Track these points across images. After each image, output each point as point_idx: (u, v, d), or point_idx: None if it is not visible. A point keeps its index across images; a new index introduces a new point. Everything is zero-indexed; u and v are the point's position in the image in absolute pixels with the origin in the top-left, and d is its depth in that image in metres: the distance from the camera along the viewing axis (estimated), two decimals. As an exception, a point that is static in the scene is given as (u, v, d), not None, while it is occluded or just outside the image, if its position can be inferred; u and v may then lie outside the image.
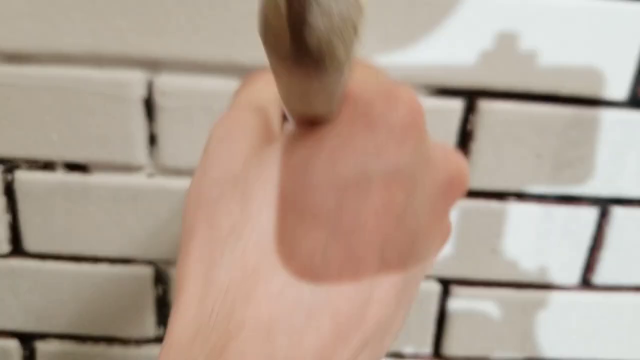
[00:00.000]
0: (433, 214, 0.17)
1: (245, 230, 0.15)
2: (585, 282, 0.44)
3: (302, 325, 0.15)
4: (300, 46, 0.12)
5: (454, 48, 0.36)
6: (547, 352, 0.46)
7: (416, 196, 0.16)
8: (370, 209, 0.15)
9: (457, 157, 0.19)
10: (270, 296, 0.15)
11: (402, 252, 0.16)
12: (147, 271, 0.42)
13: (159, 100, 0.37)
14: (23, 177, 0.39)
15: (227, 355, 0.14)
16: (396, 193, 0.16)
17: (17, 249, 0.41)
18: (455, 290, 0.43)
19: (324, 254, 0.15)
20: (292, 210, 0.15)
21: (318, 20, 0.12)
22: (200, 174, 0.17)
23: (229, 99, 0.37)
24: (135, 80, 0.36)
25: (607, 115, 0.38)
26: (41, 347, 0.44)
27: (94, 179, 0.39)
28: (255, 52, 0.35)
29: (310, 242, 0.15)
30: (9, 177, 0.39)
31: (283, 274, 0.15)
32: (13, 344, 0.44)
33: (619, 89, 0.38)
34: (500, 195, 0.40)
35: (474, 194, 0.40)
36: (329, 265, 0.15)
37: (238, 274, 0.15)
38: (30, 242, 0.41)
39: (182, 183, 0.39)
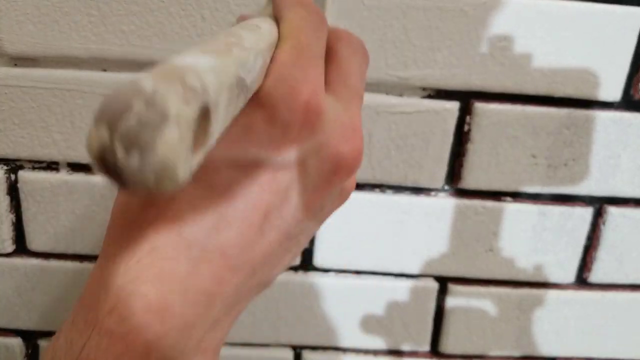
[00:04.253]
0: (319, 192, 0.20)
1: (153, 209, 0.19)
2: (581, 281, 0.44)
3: (198, 261, 0.18)
4: (125, 189, 0.13)
5: (450, 50, 0.37)
6: (543, 349, 0.46)
7: (301, 179, 0.20)
8: (257, 184, 0.19)
9: (354, 141, 0.21)
10: (167, 250, 0.18)
11: (284, 217, 0.20)
12: (149, 270, 0.42)
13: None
14: (27, 177, 0.39)
15: (121, 290, 0.17)
16: (281, 177, 0.19)
17: (21, 248, 0.42)
18: (453, 288, 0.44)
19: (215, 212, 0.18)
20: (194, 182, 0.18)
21: (135, 184, 0.13)
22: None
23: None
24: (137, 82, 0.37)
25: (601, 116, 0.39)
26: (44, 345, 0.45)
27: (97, 179, 0.39)
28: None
29: (204, 204, 0.18)
30: (13, 177, 0.39)
31: (180, 226, 0.18)
32: (16, 342, 0.45)
33: (613, 90, 0.38)
34: (496, 195, 0.41)
35: (470, 193, 0.41)
36: (221, 220, 0.18)
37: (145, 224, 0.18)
38: (33, 241, 0.41)
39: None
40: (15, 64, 0.37)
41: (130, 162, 0.12)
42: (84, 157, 0.39)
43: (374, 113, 0.38)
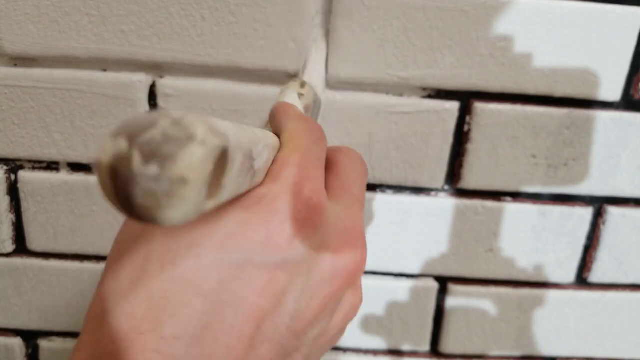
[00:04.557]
0: (318, 299, 0.19)
1: (138, 288, 0.17)
2: (581, 281, 0.44)
3: None
4: (133, 217, 0.13)
5: (450, 50, 0.37)
6: (543, 349, 0.46)
7: (299, 282, 0.18)
8: (250, 289, 0.17)
9: (356, 246, 0.20)
10: (149, 351, 0.16)
11: (279, 328, 0.18)
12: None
13: (162, 102, 0.37)
14: (27, 177, 0.39)
15: None
16: (279, 278, 0.18)
17: (21, 248, 0.42)
18: (453, 288, 0.44)
19: (200, 321, 0.17)
20: (178, 280, 0.17)
21: (142, 200, 0.12)
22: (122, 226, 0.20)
23: (229, 101, 0.38)
24: (138, 83, 0.37)
25: (601, 116, 0.39)
26: (44, 345, 0.45)
27: (97, 179, 0.39)
28: (257, 55, 0.36)
29: (190, 309, 0.17)
30: (13, 177, 0.40)
31: (161, 334, 0.16)
32: (16, 342, 0.45)
33: (613, 90, 0.38)
34: (496, 195, 0.41)
35: (470, 193, 0.41)
36: (205, 330, 0.17)
37: (125, 326, 0.17)
38: (34, 241, 0.41)
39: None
40: (15, 64, 0.37)
41: (147, 171, 0.12)
42: (84, 157, 0.39)
43: (374, 113, 0.38)
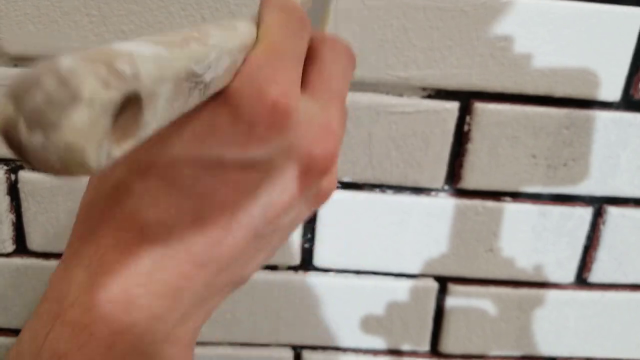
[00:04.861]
0: (290, 192, 0.20)
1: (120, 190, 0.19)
2: (581, 281, 0.44)
3: (162, 256, 0.18)
4: (31, 168, 0.13)
5: (450, 50, 0.37)
6: (543, 349, 0.46)
7: (271, 179, 0.19)
8: (223, 184, 0.19)
9: (327, 140, 0.21)
10: (128, 251, 0.18)
11: (253, 216, 0.19)
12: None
13: (161, 101, 0.37)
14: (27, 177, 0.39)
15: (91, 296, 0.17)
16: (249, 176, 0.19)
17: (21, 248, 0.42)
18: (453, 288, 0.44)
19: (179, 209, 0.18)
20: (155, 176, 0.18)
21: (39, 165, 0.12)
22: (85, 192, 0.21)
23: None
24: (138, 82, 0.37)
25: (601, 116, 0.39)
26: (44, 345, 0.45)
27: (97, 179, 0.39)
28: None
29: (167, 198, 0.18)
30: (13, 177, 0.39)
31: (138, 235, 0.18)
32: (17, 342, 0.45)
33: (613, 90, 0.38)
34: (496, 195, 0.41)
35: (470, 193, 0.41)
36: (182, 219, 0.18)
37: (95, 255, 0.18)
38: (33, 241, 0.41)
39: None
40: (15, 64, 0.37)
41: (33, 140, 0.12)
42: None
43: (374, 113, 0.38)
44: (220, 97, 0.18)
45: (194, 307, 0.19)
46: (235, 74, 0.19)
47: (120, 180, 0.19)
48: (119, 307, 0.17)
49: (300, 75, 0.20)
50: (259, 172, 0.19)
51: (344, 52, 0.24)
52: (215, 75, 0.17)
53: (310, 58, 0.22)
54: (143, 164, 0.18)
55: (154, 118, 0.14)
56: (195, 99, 0.17)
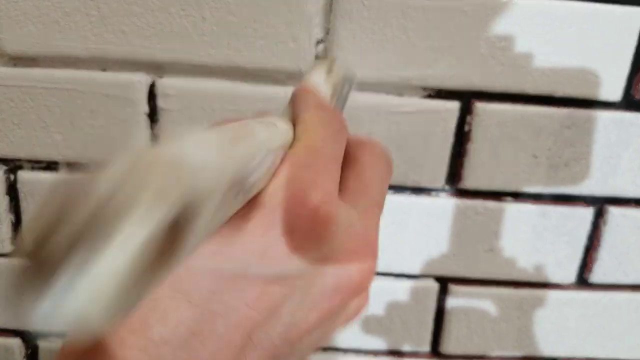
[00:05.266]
0: (317, 311, 0.18)
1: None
2: (582, 281, 0.44)
3: None
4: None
5: (450, 50, 0.37)
6: (544, 349, 0.46)
7: (297, 294, 0.17)
8: (242, 300, 0.17)
9: (366, 255, 0.19)
10: (137, 349, 0.16)
11: (271, 337, 0.17)
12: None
13: (161, 102, 0.37)
14: (26, 177, 0.39)
15: None
16: (273, 291, 0.17)
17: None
18: (453, 288, 0.43)
19: (189, 327, 0.16)
20: (169, 286, 0.16)
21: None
22: None
23: (229, 101, 0.38)
24: (138, 83, 0.37)
25: (602, 116, 0.39)
26: (44, 345, 0.45)
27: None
28: (257, 55, 0.36)
29: (179, 314, 0.16)
30: (12, 177, 0.39)
31: (149, 335, 0.16)
32: (16, 342, 0.45)
33: (614, 90, 0.38)
34: (496, 195, 0.41)
35: (471, 193, 0.41)
36: (194, 337, 0.16)
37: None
38: (33, 241, 0.41)
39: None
40: (15, 64, 0.36)
41: (45, 298, 0.10)
42: (83, 157, 0.39)
43: (374, 113, 0.38)
44: (254, 200, 0.17)
45: None
46: (274, 175, 0.17)
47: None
48: None
49: (339, 179, 0.19)
50: (285, 287, 0.17)
51: (384, 157, 0.22)
52: (259, 176, 0.16)
53: (348, 161, 0.21)
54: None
55: (196, 236, 0.12)
56: (237, 204, 0.15)
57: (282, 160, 0.18)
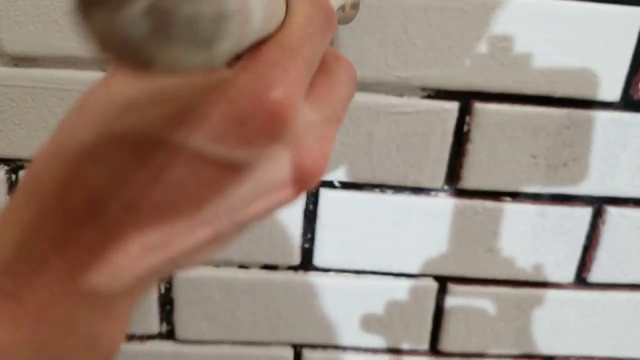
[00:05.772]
0: (265, 201, 0.19)
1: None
2: (580, 280, 0.44)
3: (110, 235, 0.17)
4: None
5: (450, 50, 0.37)
6: (542, 348, 0.46)
7: (248, 183, 0.18)
8: (196, 176, 0.17)
9: (322, 154, 0.20)
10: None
11: (220, 218, 0.18)
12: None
13: (161, 101, 0.37)
14: (27, 177, 0.40)
15: None
16: (226, 174, 0.18)
17: (22, 247, 0.42)
18: (452, 287, 0.44)
19: (141, 194, 0.17)
20: (126, 146, 0.17)
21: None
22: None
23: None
24: (138, 82, 0.37)
25: (600, 116, 0.39)
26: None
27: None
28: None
29: (132, 179, 0.17)
30: (14, 177, 0.40)
31: (89, 209, 0.17)
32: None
33: (612, 90, 0.38)
34: (495, 195, 0.41)
35: (470, 193, 0.41)
36: (143, 203, 0.17)
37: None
38: (34, 240, 0.41)
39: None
40: (15, 64, 0.37)
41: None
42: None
43: (374, 113, 0.38)
44: (220, 87, 0.17)
45: (131, 286, 0.18)
46: (244, 67, 0.17)
47: (87, 140, 0.18)
48: (61, 274, 0.17)
49: (309, 81, 0.19)
50: (238, 173, 0.18)
51: (354, 80, 0.23)
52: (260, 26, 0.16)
53: (324, 70, 0.21)
54: (118, 129, 0.17)
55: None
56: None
57: (256, 54, 0.18)
